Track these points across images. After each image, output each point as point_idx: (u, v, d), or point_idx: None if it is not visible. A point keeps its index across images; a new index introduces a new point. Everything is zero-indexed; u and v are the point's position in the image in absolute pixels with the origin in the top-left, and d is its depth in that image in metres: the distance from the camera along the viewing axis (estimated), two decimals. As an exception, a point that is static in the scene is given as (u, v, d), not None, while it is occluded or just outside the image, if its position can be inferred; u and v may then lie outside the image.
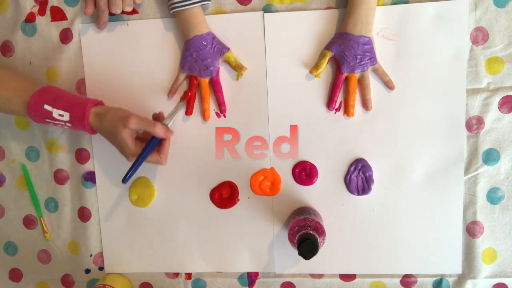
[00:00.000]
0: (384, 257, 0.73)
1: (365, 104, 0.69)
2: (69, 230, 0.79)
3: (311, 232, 0.62)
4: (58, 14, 0.74)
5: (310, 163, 0.72)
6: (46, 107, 0.64)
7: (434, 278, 0.73)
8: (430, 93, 0.69)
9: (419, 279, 0.73)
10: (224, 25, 0.70)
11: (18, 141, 0.78)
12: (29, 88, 0.66)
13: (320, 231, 0.64)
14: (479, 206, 0.70)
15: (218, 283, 0.78)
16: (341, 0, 0.68)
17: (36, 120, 0.66)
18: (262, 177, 0.74)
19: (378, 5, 0.66)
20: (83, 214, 0.78)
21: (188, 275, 0.78)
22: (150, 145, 0.66)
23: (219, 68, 0.71)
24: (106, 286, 0.73)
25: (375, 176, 0.71)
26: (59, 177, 0.78)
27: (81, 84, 0.75)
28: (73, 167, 0.77)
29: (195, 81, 0.71)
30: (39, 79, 0.75)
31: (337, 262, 0.74)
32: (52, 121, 0.65)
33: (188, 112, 0.72)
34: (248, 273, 0.77)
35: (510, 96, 0.68)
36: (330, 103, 0.70)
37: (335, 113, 0.71)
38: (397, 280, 0.74)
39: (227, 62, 0.70)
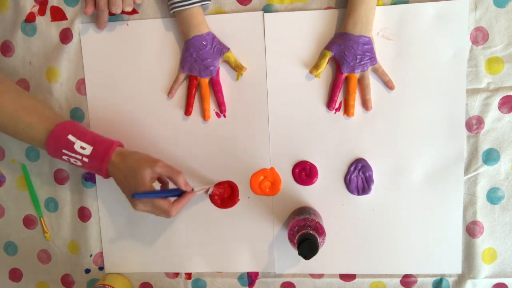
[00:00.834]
0: (384, 257, 0.73)
1: (365, 104, 0.69)
2: (69, 230, 0.79)
3: (311, 232, 0.62)
4: (58, 14, 0.74)
5: (310, 163, 0.72)
6: (70, 137, 0.62)
7: (434, 278, 0.73)
8: (430, 93, 0.69)
9: (419, 279, 0.73)
10: (224, 25, 0.70)
11: (18, 141, 0.78)
12: (54, 118, 0.64)
13: (320, 231, 0.64)
14: (479, 206, 0.70)
15: (218, 283, 0.78)
16: (341, 0, 0.68)
17: (52, 150, 0.63)
18: (262, 177, 0.74)
19: (378, 5, 0.66)
20: (83, 214, 0.78)
21: (188, 275, 0.78)
22: (171, 190, 0.66)
23: (219, 68, 0.71)
24: (106, 286, 0.73)
25: (375, 176, 0.71)
26: (59, 177, 0.78)
27: (81, 84, 0.75)
28: (73, 167, 0.77)
29: (195, 81, 0.71)
30: (39, 79, 0.76)
31: (337, 262, 0.74)
32: (69, 154, 0.63)
33: (188, 112, 0.72)
34: (248, 273, 0.77)
35: (510, 96, 0.68)
36: (330, 103, 0.70)
37: (335, 113, 0.71)
38: (397, 280, 0.74)
39: (227, 62, 0.70)
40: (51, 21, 0.74)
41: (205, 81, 0.71)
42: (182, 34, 0.70)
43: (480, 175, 0.70)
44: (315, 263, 0.74)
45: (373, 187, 0.71)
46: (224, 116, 0.73)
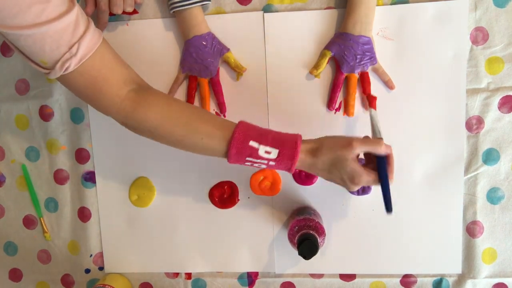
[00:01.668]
0: (384, 257, 0.73)
1: (366, 104, 0.69)
2: (69, 230, 0.79)
3: (311, 232, 0.62)
4: (58, 14, 0.73)
5: (310, 163, 0.72)
6: (252, 143, 0.56)
7: (434, 278, 0.73)
8: (430, 93, 0.69)
9: (419, 279, 0.73)
10: (224, 25, 0.70)
11: (18, 141, 0.78)
12: (227, 124, 0.59)
13: (320, 231, 0.64)
14: (479, 206, 0.70)
15: (218, 283, 0.78)
16: (341, 0, 0.68)
17: (234, 158, 0.57)
18: (262, 177, 0.74)
19: (378, 5, 0.66)
20: (83, 214, 0.78)
21: (188, 275, 0.78)
22: (382, 164, 0.57)
23: (219, 68, 0.71)
24: (106, 286, 0.73)
25: (375, 176, 0.71)
26: (59, 177, 0.78)
27: (81, 84, 0.75)
28: (73, 167, 0.77)
29: (195, 81, 0.71)
30: (39, 79, 0.76)
31: (337, 262, 0.74)
32: (253, 160, 0.57)
33: (188, 112, 0.72)
34: (248, 273, 0.77)
35: (510, 96, 0.68)
36: (330, 103, 0.70)
37: (335, 113, 0.71)
38: (397, 280, 0.74)
39: (227, 62, 0.70)
40: (51, 21, 0.74)
41: (205, 81, 0.71)
42: (182, 34, 0.70)
43: (480, 175, 0.70)
44: (315, 263, 0.74)
45: (373, 187, 0.71)
46: (224, 116, 0.73)
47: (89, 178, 0.77)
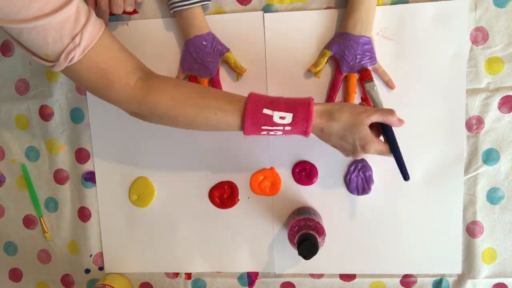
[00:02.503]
0: (384, 257, 0.73)
1: (367, 103, 0.69)
2: (69, 230, 0.79)
3: (311, 232, 0.62)
4: (58, 14, 0.73)
5: (310, 163, 0.72)
6: (266, 111, 0.57)
7: (434, 278, 0.73)
8: (430, 93, 0.69)
9: (419, 279, 0.73)
10: (224, 25, 0.70)
11: (18, 141, 0.78)
12: (237, 97, 0.59)
13: (320, 231, 0.64)
14: (479, 206, 0.70)
15: (218, 283, 0.78)
16: (341, 0, 0.68)
17: (249, 130, 0.58)
18: (262, 177, 0.74)
19: (378, 5, 0.66)
20: (83, 214, 0.78)
21: (188, 275, 0.78)
22: (392, 134, 0.59)
23: (219, 68, 0.71)
24: (106, 286, 0.73)
25: (375, 176, 0.71)
26: (59, 177, 0.78)
27: (81, 84, 0.75)
28: (73, 167, 0.77)
29: (195, 81, 0.71)
30: (39, 79, 0.76)
31: (337, 262, 0.74)
32: (269, 128, 0.58)
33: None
34: (248, 273, 0.77)
35: (510, 96, 0.68)
36: (328, 102, 0.70)
37: (335, 113, 0.71)
38: (397, 280, 0.74)
39: (227, 62, 0.70)
40: (51, 21, 0.74)
41: (205, 81, 0.71)
42: (182, 34, 0.70)
43: (480, 175, 0.70)
44: (315, 263, 0.74)
45: (373, 187, 0.71)
46: (224, 116, 0.73)
47: (89, 178, 0.77)
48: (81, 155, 0.77)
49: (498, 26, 0.66)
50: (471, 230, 0.71)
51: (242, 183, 0.74)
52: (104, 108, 0.75)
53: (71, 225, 0.79)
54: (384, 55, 0.68)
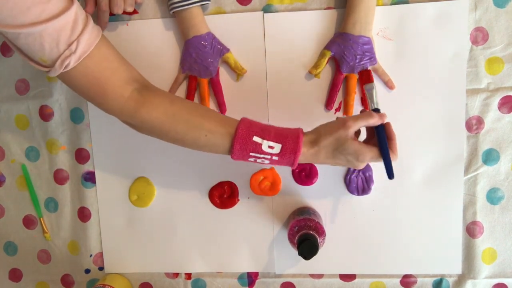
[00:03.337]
0: (384, 257, 0.73)
1: (365, 104, 0.69)
2: (69, 230, 0.79)
3: (311, 232, 0.62)
4: (58, 14, 0.73)
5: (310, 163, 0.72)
6: (256, 139, 0.57)
7: (434, 278, 0.73)
8: (430, 93, 0.69)
9: (419, 279, 0.73)
10: (224, 25, 0.70)
11: (18, 141, 0.78)
12: (230, 120, 0.59)
13: (320, 231, 0.64)
14: (479, 206, 0.70)
15: (218, 283, 0.78)
16: (341, 0, 0.68)
17: (237, 155, 0.58)
18: (262, 177, 0.74)
19: (378, 5, 0.66)
20: (83, 214, 0.78)
21: (188, 275, 0.78)
22: (380, 133, 0.58)
23: (219, 68, 0.71)
24: (106, 286, 0.73)
25: (375, 176, 0.71)
26: (59, 177, 0.78)
27: (81, 84, 0.75)
28: (73, 167, 0.77)
29: (194, 81, 0.71)
30: (39, 79, 0.76)
31: (337, 262, 0.74)
32: (256, 155, 0.58)
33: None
34: (248, 273, 0.77)
35: (510, 96, 0.68)
36: (328, 102, 0.70)
37: (335, 113, 0.71)
38: (397, 280, 0.74)
39: (227, 63, 0.70)
40: (51, 21, 0.74)
41: (204, 81, 0.71)
42: (182, 34, 0.70)
43: (480, 175, 0.70)
44: (315, 263, 0.74)
45: (373, 187, 0.71)
46: (224, 116, 0.73)
47: (89, 178, 0.77)
48: (81, 155, 0.77)
49: (498, 26, 0.66)
50: (471, 230, 0.71)
51: (242, 183, 0.74)
52: (104, 108, 0.75)
53: (71, 225, 0.79)
54: (384, 55, 0.68)
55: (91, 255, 0.79)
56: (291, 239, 0.65)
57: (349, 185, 0.72)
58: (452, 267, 0.72)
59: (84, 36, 0.53)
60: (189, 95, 0.72)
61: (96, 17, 0.70)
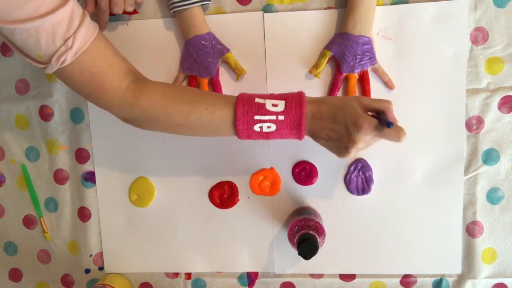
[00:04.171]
0: (384, 257, 0.73)
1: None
2: (69, 230, 0.79)
3: (311, 232, 0.62)
4: (58, 14, 0.73)
5: (310, 163, 0.72)
6: (258, 100, 0.56)
7: (434, 278, 0.73)
8: (430, 93, 0.69)
9: (419, 279, 0.73)
10: (224, 25, 0.70)
11: (18, 141, 0.78)
12: (227, 96, 0.59)
13: (320, 231, 0.64)
14: (479, 206, 0.70)
15: (218, 283, 0.78)
16: (341, 0, 0.68)
17: (242, 119, 0.56)
18: (262, 177, 0.74)
19: (378, 5, 0.66)
20: (83, 214, 0.78)
21: (188, 275, 0.78)
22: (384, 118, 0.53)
23: (219, 68, 0.71)
24: (106, 286, 0.73)
25: (375, 176, 0.71)
26: (59, 177, 0.78)
27: (81, 84, 0.75)
28: (73, 167, 0.77)
29: (195, 81, 0.71)
30: (39, 79, 0.76)
31: (337, 262, 0.74)
32: (262, 118, 0.56)
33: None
34: (248, 273, 0.77)
35: (510, 96, 0.68)
36: (329, 103, 0.70)
37: (335, 113, 0.71)
38: (397, 280, 0.74)
39: (227, 63, 0.70)
40: (51, 21, 0.74)
41: (204, 81, 0.71)
42: (182, 34, 0.70)
43: (480, 175, 0.70)
44: (315, 263, 0.74)
45: (373, 187, 0.71)
46: (224, 116, 0.73)
47: (89, 178, 0.77)
48: (81, 155, 0.77)
49: (498, 26, 0.66)
50: (471, 230, 0.71)
51: (242, 183, 0.74)
52: (104, 108, 0.75)
53: (71, 225, 0.79)
54: (384, 55, 0.68)
55: (91, 255, 0.79)
56: (291, 239, 0.65)
57: (349, 185, 0.72)
58: (452, 267, 0.72)
59: (80, 31, 0.52)
60: None
61: (96, 17, 0.70)
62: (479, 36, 0.67)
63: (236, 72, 0.71)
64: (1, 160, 0.80)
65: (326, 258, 0.73)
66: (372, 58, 0.67)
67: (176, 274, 0.79)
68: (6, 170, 0.80)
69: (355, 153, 0.55)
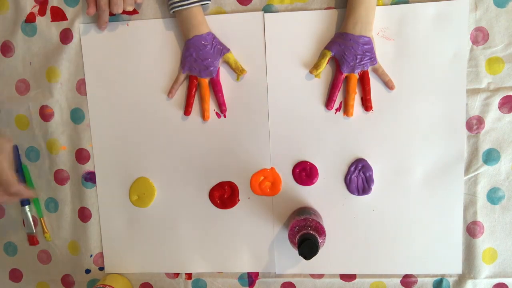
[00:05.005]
0: (384, 257, 0.73)
1: (365, 105, 0.69)
2: (69, 230, 0.79)
3: (312, 232, 0.62)
4: (58, 14, 0.74)
5: (310, 163, 0.72)
6: None
7: (434, 278, 0.73)
8: (430, 93, 0.69)
9: (419, 279, 0.73)
10: (224, 25, 0.70)
11: (18, 141, 0.78)
12: None
13: (321, 231, 0.64)
14: (479, 206, 0.70)
15: (218, 283, 0.78)
16: (341, 0, 0.68)
17: None
18: (262, 177, 0.74)
19: (378, 5, 0.66)
20: (83, 214, 0.78)
21: (188, 275, 0.78)
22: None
23: (219, 68, 0.71)
24: (106, 286, 0.73)
25: (375, 176, 0.71)
26: (59, 177, 0.78)
27: (81, 84, 0.75)
28: (73, 167, 0.77)
29: (195, 81, 0.71)
30: (39, 79, 0.76)
31: (337, 262, 0.74)
32: None
33: (187, 112, 0.72)
34: (248, 273, 0.77)
35: (510, 96, 0.68)
36: (328, 102, 0.70)
37: (335, 113, 0.71)
38: (397, 280, 0.74)
39: (227, 63, 0.70)
40: (51, 21, 0.74)
41: (205, 81, 0.71)
42: (182, 34, 0.70)
43: (481, 175, 0.70)
44: (315, 263, 0.74)
45: (373, 187, 0.71)
46: (224, 116, 0.73)
47: (89, 178, 0.77)
48: (81, 155, 0.77)
49: (498, 26, 0.66)
50: (471, 230, 0.71)
51: (242, 183, 0.74)
52: (104, 108, 0.75)
53: (71, 226, 0.79)
54: (384, 55, 0.68)
55: (91, 255, 0.79)
56: (291, 239, 0.65)
57: (349, 185, 0.72)
58: (453, 267, 0.72)
59: None
60: (189, 95, 0.72)
61: (96, 17, 0.70)
62: (480, 36, 0.67)
63: (237, 72, 0.71)
64: (1, 160, 0.79)
65: (326, 258, 0.73)
66: (372, 58, 0.67)
67: (176, 274, 0.79)
68: (6, 170, 0.80)
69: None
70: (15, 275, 0.83)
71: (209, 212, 0.75)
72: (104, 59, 0.74)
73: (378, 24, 0.67)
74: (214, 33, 0.69)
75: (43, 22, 0.74)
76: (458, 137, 0.69)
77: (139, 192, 0.76)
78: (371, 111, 0.70)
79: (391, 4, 0.68)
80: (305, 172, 0.72)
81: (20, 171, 0.78)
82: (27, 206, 0.78)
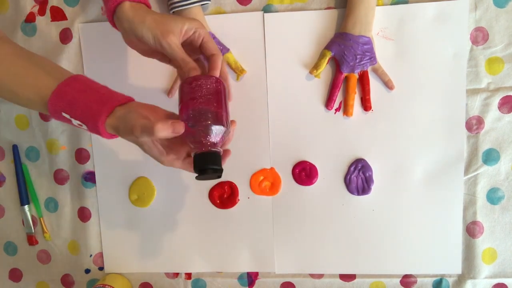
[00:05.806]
0: (384, 257, 0.73)
1: (365, 105, 0.69)
2: (69, 230, 0.79)
3: (214, 150, 0.52)
4: (58, 14, 0.74)
5: (310, 163, 0.72)
6: (64, 115, 0.54)
7: (434, 278, 0.73)
8: (430, 93, 0.69)
9: (419, 279, 0.73)
10: (224, 25, 0.70)
11: (18, 141, 0.78)
12: (48, 85, 0.54)
13: (220, 117, 0.51)
14: (479, 206, 0.70)
15: (218, 283, 0.78)
16: (341, 0, 0.68)
17: (53, 111, 0.54)
18: (262, 177, 0.74)
19: (378, 5, 0.66)
20: (83, 214, 0.78)
21: (188, 275, 0.78)
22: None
23: (219, 68, 0.71)
24: (106, 286, 0.73)
25: (375, 176, 0.71)
26: (59, 177, 0.78)
27: (81, 84, 0.75)
28: (73, 167, 0.77)
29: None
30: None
31: (337, 262, 0.74)
32: (70, 123, 0.55)
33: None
34: (248, 273, 0.77)
35: (510, 96, 0.68)
36: (328, 102, 0.70)
37: (335, 113, 0.71)
38: (397, 280, 0.74)
39: (227, 63, 0.70)
40: (51, 21, 0.74)
41: (205, 81, 0.71)
42: (182, 34, 0.70)
43: (480, 175, 0.70)
44: (315, 263, 0.74)
45: (373, 187, 0.71)
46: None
47: (89, 178, 0.77)
48: (81, 155, 0.77)
49: (498, 26, 0.66)
50: (471, 230, 0.71)
51: (242, 183, 0.74)
52: (104, 108, 0.75)
53: (71, 225, 0.79)
54: (384, 55, 0.68)
55: (91, 255, 0.79)
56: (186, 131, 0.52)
57: (349, 185, 0.72)
58: (452, 267, 0.72)
59: None
60: None
61: (95, 17, 0.70)
62: (479, 36, 0.67)
63: (236, 72, 0.71)
64: (1, 160, 0.80)
65: (326, 258, 0.73)
66: (372, 58, 0.67)
67: (176, 274, 0.79)
68: (6, 170, 0.80)
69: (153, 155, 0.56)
70: (15, 274, 0.83)
71: (208, 212, 0.75)
72: (104, 59, 0.74)
73: (378, 24, 0.67)
74: (214, 33, 0.69)
75: (43, 22, 0.74)
76: (457, 137, 0.69)
77: (139, 192, 0.76)
78: (371, 111, 0.70)
79: (391, 4, 0.68)
80: (304, 172, 0.72)
81: (20, 171, 0.78)
82: (26, 206, 0.78)
